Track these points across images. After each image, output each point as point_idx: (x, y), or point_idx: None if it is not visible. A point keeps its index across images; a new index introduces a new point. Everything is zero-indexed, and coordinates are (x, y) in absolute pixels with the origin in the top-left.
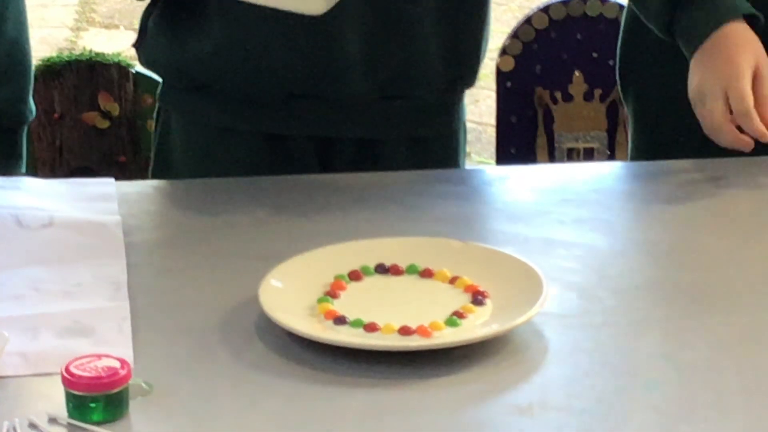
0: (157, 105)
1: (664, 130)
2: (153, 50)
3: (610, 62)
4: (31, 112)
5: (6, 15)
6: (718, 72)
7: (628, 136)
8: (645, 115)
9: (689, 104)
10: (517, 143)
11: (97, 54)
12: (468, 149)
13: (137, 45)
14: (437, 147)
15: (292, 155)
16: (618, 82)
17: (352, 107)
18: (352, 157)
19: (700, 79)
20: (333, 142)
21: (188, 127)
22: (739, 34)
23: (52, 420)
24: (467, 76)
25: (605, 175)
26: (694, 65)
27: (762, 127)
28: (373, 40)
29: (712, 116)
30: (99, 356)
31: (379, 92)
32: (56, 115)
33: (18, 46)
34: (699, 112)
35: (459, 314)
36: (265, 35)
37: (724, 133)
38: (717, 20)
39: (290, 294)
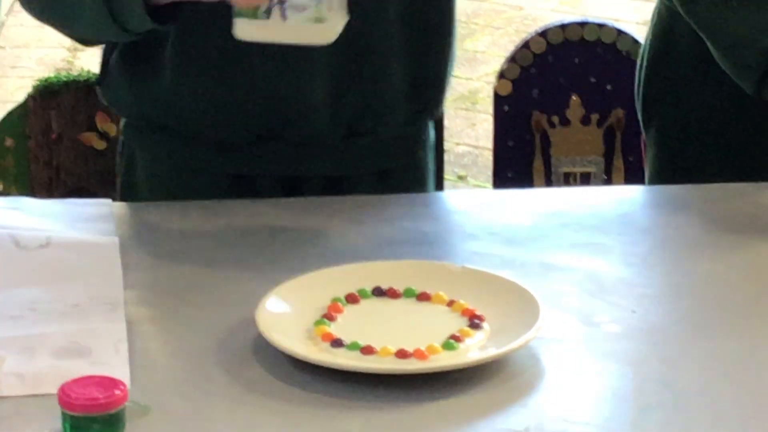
0: (120, 138)
1: (688, 159)
2: (114, 89)
3: (608, 87)
4: None
5: None
6: None
7: (643, 161)
8: (669, 144)
9: (715, 133)
10: (514, 167)
11: (95, 75)
12: (464, 173)
13: (99, 82)
14: (403, 176)
15: (259, 193)
16: (639, 111)
17: (318, 146)
18: (318, 193)
19: None
20: (299, 180)
21: (152, 165)
22: None
23: None
24: (432, 107)
25: (603, 199)
26: None
27: None
28: (338, 79)
29: None
30: (96, 377)
31: (345, 131)
32: (53, 136)
33: None
34: None
35: (456, 338)
36: (225, 79)
37: None
38: None
39: (287, 316)
